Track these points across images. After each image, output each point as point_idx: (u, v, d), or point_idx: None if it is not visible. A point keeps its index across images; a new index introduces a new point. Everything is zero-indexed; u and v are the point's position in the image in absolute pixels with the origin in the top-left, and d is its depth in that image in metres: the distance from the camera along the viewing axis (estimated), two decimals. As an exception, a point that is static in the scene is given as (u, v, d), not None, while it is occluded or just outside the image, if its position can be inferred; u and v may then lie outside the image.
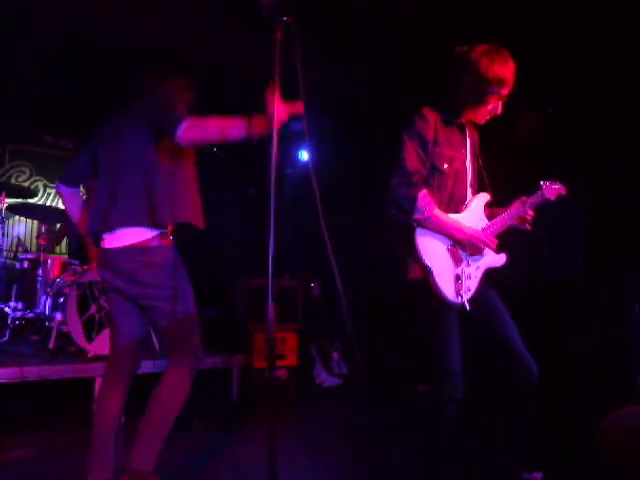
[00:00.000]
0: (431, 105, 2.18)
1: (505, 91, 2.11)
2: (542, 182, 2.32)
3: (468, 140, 2.26)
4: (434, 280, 2.03)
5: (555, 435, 3.01)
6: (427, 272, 2.03)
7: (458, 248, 2.12)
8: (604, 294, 3.76)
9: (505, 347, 2.09)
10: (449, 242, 2.10)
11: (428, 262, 2.03)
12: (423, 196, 2.02)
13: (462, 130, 2.24)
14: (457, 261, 2.10)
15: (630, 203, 3.78)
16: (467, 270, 2.12)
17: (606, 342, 3.66)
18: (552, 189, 2.32)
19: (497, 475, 2.23)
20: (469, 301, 2.08)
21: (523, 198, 2.28)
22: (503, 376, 2.12)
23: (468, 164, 2.23)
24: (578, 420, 3.04)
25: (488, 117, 2.21)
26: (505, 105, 2.19)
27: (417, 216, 2.01)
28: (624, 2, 3.44)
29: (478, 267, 2.18)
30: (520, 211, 2.26)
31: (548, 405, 2.24)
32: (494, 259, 2.23)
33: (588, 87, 3.97)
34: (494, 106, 2.15)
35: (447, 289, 2.05)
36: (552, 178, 2.38)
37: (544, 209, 2.38)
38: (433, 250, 2.06)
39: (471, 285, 2.13)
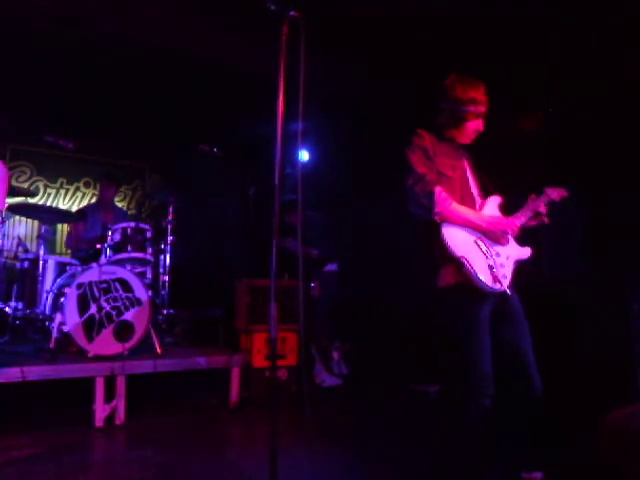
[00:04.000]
0: (424, 127, 2.31)
1: (480, 109, 2.28)
2: (546, 187, 2.43)
3: (461, 155, 2.37)
4: (471, 270, 2.05)
5: (555, 435, 3.01)
6: (462, 264, 2.05)
7: (484, 239, 2.17)
8: (604, 293, 3.76)
9: (518, 358, 2.14)
10: (475, 234, 2.16)
11: (460, 254, 2.06)
12: (439, 191, 2.09)
13: (454, 146, 2.36)
14: (485, 251, 2.14)
15: (630, 203, 3.78)
16: (498, 260, 2.17)
17: (606, 342, 3.66)
18: (555, 191, 2.43)
19: (497, 475, 2.23)
20: (508, 287, 2.13)
21: (533, 196, 2.38)
22: (508, 382, 2.16)
23: (469, 174, 2.34)
24: (578, 420, 3.04)
25: (473, 136, 2.35)
26: (506, 106, 2.26)
27: (438, 209, 2.06)
28: (623, 2, 3.44)
29: (508, 257, 2.23)
30: (535, 205, 2.34)
31: (548, 405, 2.24)
32: (520, 251, 2.30)
33: (588, 87, 3.97)
34: (475, 123, 2.30)
35: (486, 277, 2.07)
36: (553, 177, 2.52)
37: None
38: (462, 243, 2.10)
39: (506, 272, 2.18)
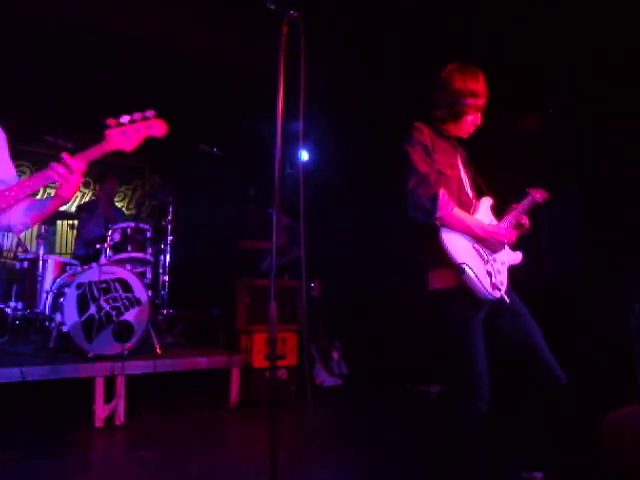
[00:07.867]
0: (422, 120, 2.26)
1: (480, 102, 2.21)
2: (528, 189, 2.41)
3: (457, 152, 2.33)
4: (473, 277, 2.02)
5: (555, 435, 3.01)
6: (462, 271, 2.02)
7: (480, 245, 2.15)
8: (604, 293, 3.77)
9: (533, 352, 2.12)
10: (473, 240, 2.13)
11: (461, 260, 2.03)
12: (443, 194, 2.04)
13: (451, 142, 2.31)
14: (483, 258, 2.13)
15: (630, 203, 3.78)
16: (495, 266, 2.16)
17: (606, 341, 3.66)
18: (538, 193, 2.41)
19: (497, 475, 2.23)
20: (506, 293, 2.12)
21: (513, 205, 2.36)
22: (528, 380, 2.15)
23: (463, 173, 2.30)
24: (578, 420, 3.05)
25: (471, 130, 2.30)
26: (505, 106, 2.23)
27: (440, 214, 2.02)
28: (623, 4, 3.44)
29: (503, 263, 2.22)
30: (518, 215, 2.33)
31: (548, 405, 2.24)
32: (513, 256, 2.29)
33: (588, 87, 3.98)
34: (473, 117, 2.25)
35: (485, 284, 2.05)
36: (553, 177, 2.47)
37: (544, 209, 2.41)
38: (461, 248, 2.08)
39: (503, 279, 2.17)
